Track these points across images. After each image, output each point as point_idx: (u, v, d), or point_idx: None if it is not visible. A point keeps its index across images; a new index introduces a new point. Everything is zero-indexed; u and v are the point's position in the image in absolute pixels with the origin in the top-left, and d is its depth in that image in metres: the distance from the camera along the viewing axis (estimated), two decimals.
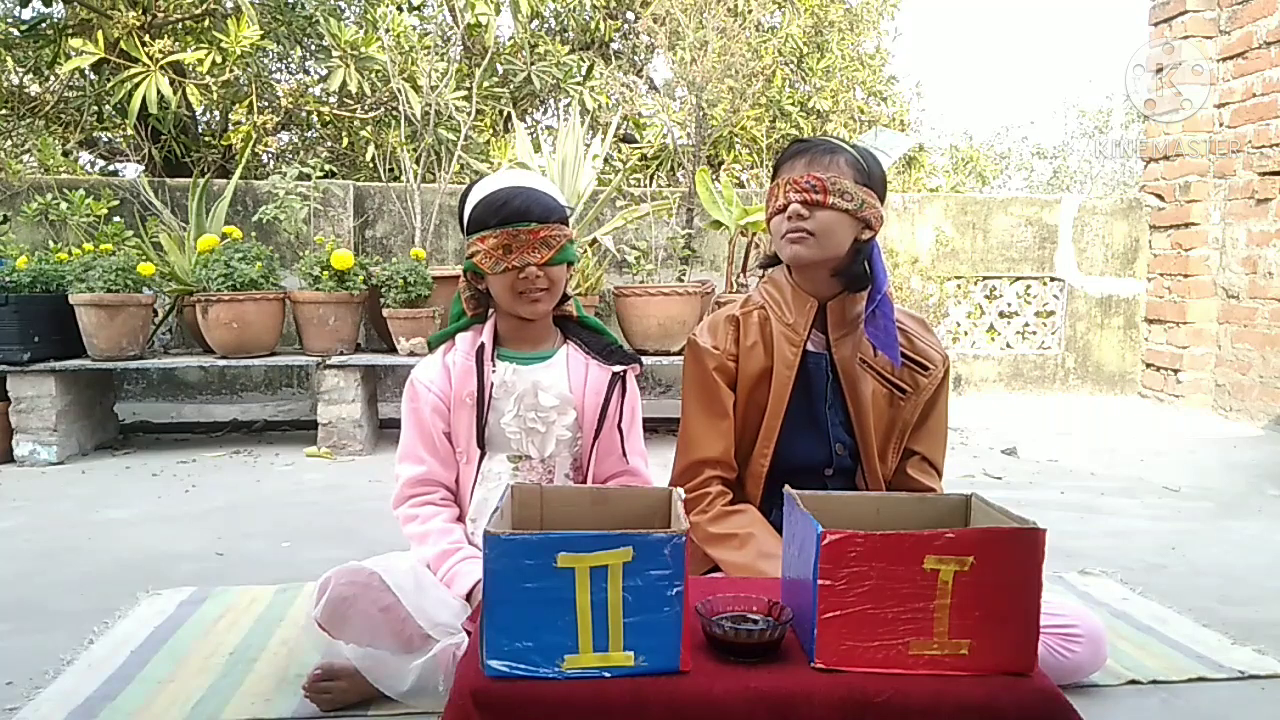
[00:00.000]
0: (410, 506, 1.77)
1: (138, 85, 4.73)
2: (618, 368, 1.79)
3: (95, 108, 5.82)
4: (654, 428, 4.60)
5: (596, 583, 1.11)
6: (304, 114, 6.07)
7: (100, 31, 4.82)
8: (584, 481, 1.81)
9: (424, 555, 1.72)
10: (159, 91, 4.73)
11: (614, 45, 7.10)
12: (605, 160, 5.44)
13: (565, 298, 1.82)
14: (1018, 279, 5.76)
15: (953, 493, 1.36)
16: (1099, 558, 2.62)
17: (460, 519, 1.79)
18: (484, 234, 1.69)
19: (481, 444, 1.75)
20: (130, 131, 5.82)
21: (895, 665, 1.14)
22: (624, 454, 1.80)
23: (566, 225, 1.74)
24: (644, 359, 4.10)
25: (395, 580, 1.59)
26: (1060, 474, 3.74)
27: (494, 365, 1.77)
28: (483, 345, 1.76)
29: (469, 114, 4.85)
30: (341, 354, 4.02)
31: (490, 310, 1.83)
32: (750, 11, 5.53)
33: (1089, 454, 4.12)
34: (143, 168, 6.21)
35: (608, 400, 1.76)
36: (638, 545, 1.11)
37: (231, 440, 4.31)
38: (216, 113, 6.49)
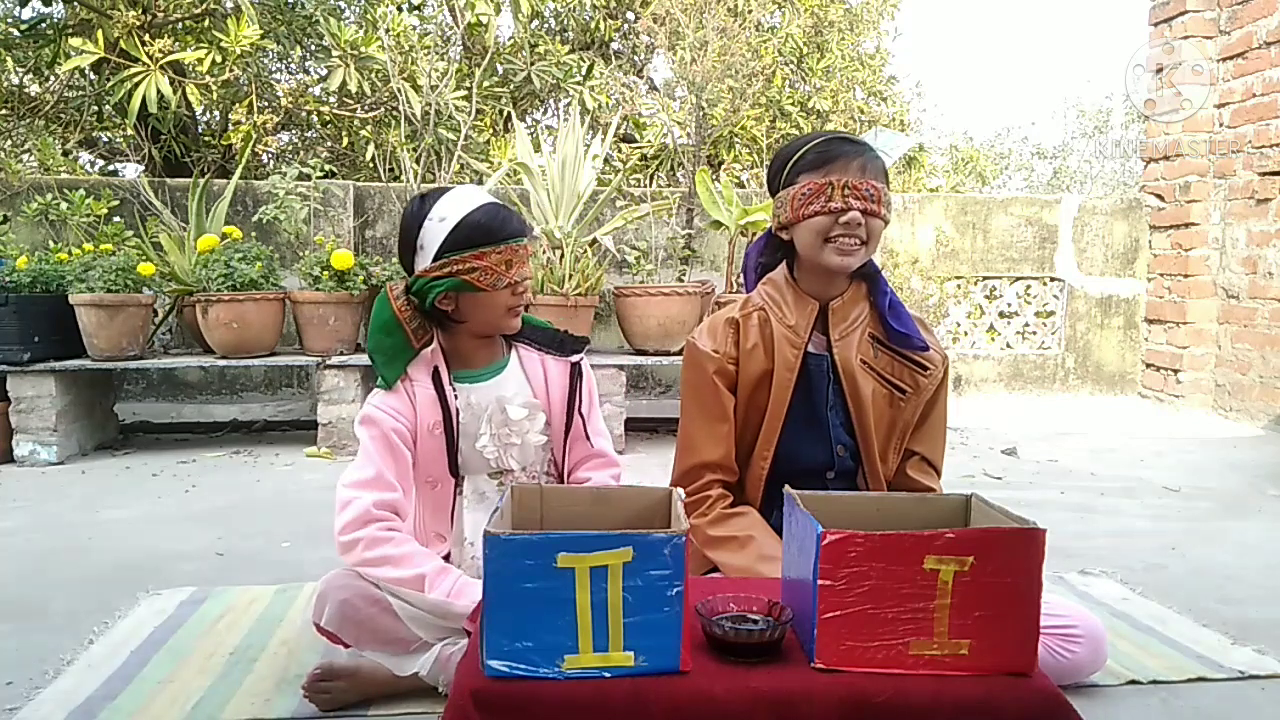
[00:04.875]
0: (379, 529, 1.63)
1: (138, 85, 4.73)
2: (574, 358, 1.82)
3: (95, 108, 5.82)
4: (654, 428, 4.60)
5: (596, 583, 1.11)
6: (304, 114, 6.07)
7: (100, 31, 4.81)
8: (560, 478, 1.82)
9: (413, 572, 1.61)
10: (159, 91, 4.73)
11: (614, 45, 7.10)
12: (605, 160, 5.43)
13: None
14: (1018, 279, 5.75)
15: (953, 493, 1.36)
16: (1099, 558, 2.62)
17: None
18: (484, 250, 1.65)
19: (455, 471, 1.74)
20: (130, 131, 5.82)
21: (895, 665, 1.14)
22: (587, 436, 1.83)
23: None
24: (644, 359, 4.14)
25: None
26: (1060, 474, 3.74)
27: (454, 390, 1.74)
28: (437, 371, 1.73)
29: (469, 114, 4.85)
30: (341, 354, 4.02)
31: (433, 336, 1.76)
32: (750, 11, 5.52)
33: (1089, 454, 4.12)
34: (143, 168, 6.20)
35: (572, 392, 1.80)
36: (638, 545, 1.11)
37: (231, 440, 4.31)
38: (216, 113, 6.49)
